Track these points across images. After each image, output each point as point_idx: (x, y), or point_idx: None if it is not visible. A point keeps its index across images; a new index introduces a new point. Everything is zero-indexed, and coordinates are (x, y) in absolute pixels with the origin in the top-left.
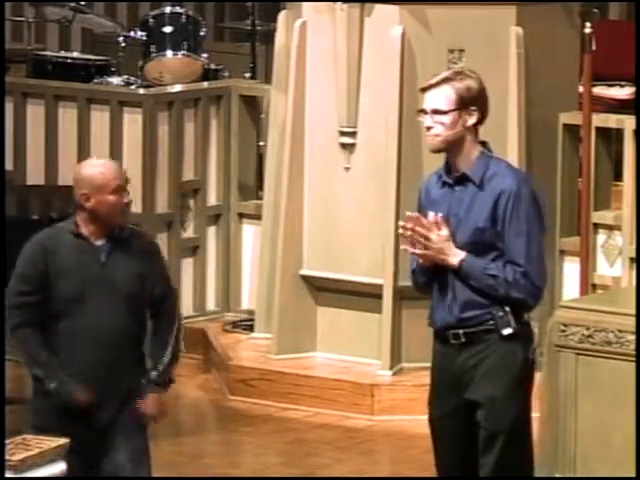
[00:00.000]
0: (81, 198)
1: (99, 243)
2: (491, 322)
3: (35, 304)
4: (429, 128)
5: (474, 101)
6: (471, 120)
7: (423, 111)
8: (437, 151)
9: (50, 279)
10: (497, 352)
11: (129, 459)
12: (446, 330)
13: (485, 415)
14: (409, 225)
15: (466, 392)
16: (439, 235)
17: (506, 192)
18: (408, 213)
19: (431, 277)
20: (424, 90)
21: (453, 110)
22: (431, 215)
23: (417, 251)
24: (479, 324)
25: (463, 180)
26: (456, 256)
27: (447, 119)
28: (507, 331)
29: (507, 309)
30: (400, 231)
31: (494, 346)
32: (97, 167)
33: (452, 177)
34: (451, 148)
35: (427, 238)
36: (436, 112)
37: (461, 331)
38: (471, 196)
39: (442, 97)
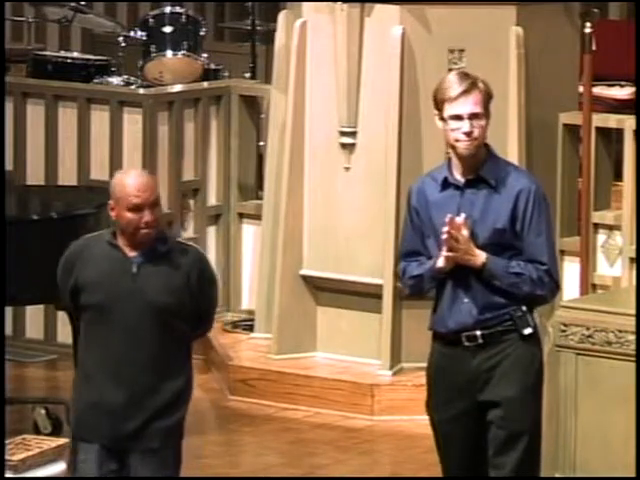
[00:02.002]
0: (109, 207)
1: (132, 254)
2: (509, 322)
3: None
4: (469, 133)
5: (490, 102)
6: (488, 121)
7: (457, 117)
8: (470, 156)
9: (79, 288)
10: (516, 352)
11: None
12: (459, 333)
13: (504, 415)
14: (445, 229)
15: (481, 394)
16: (463, 236)
17: (524, 191)
18: (448, 216)
19: (439, 282)
20: (454, 98)
21: (486, 113)
22: (462, 217)
23: (450, 254)
24: (497, 325)
25: (476, 182)
26: (480, 256)
27: (484, 122)
28: (528, 331)
29: (524, 309)
30: (444, 236)
31: (513, 346)
32: (122, 178)
33: (462, 179)
34: (478, 152)
35: (457, 239)
36: (475, 116)
37: (478, 332)
38: (485, 198)
39: (477, 101)
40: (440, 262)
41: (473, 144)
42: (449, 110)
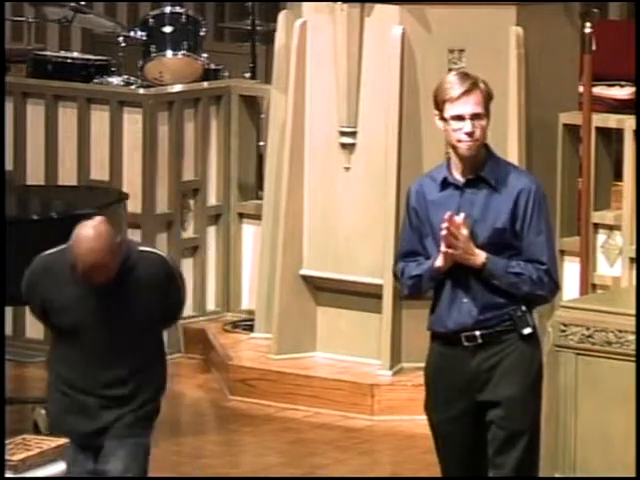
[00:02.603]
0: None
1: None
2: (508, 322)
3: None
4: (471, 134)
5: (491, 102)
6: (489, 121)
7: (458, 117)
8: (472, 157)
9: (49, 310)
10: (516, 352)
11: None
12: (459, 333)
13: (504, 415)
14: (445, 225)
15: (480, 394)
16: (463, 235)
17: (525, 191)
18: (449, 213)
19: (437, 282)
20: (456, 98)
21: (487, 113)
22: (461, 216)
23: (450, 250)
24: (496, 325)
25: (476, 182)
26: (479, 256)
27: (485, 122)
28: (527, 330)
29: (524, 309)
30: (443, 232)
31: (513, 346)
32: (80, 235)
33: (462, 179)
34: (479, 152)
35: (456, 237)
36: (476, 116)
37: (478, 333)
38: (485, 197)
39: (478, 101)
40: (439, 261)
41: (475, 144)
42: (450, 110)
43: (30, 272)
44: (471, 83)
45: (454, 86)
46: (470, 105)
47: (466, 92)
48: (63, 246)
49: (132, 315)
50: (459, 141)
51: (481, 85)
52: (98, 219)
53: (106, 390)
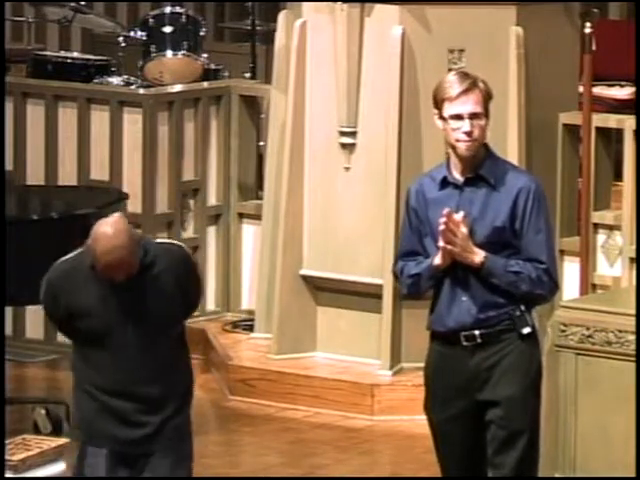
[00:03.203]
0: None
1: None
2: (507, 322)
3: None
4: (469, 133)
5: (490, 102)
6: (488, 121)
7: (457, 117)
8: (471, 156)
9: (73, 315)
10: (515, 351)
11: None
12: (458, 332)
13: (504, 414)
14: (443, 220)
15: (480, 393)
16: (462, 233)
17: (524, 190)
18: (446, 210)
19: (437, 281)
20: (455, 98)
21: (486, 113)
22: (460, 214)
23: (448, 247)
24: (496, 324)
25: (475, 181)
26: (478, 254)
27: (484, 122)
28: (526, 330)
29: (523, 308)
30: (442, 227)
31: (512, 345)
32: (98, 234)
33: (461, 178)
34: (478, 151)
35: (455, 234)
36: (475, 116)
37: (477, 332)
38: (484, 196)
39: (477, 101)
40: (437, 259)
41: (474, 144)
42: (449, 109)
43: (49, 282)
44: (470, 82)
45: (453, 85)
46: (469, 105)
47: (465, 91)
48: (79, 250)
49: (157, 309)
50: (458, 140)
51: (480, 85)
52: (116, 216)
53: (136, 388)
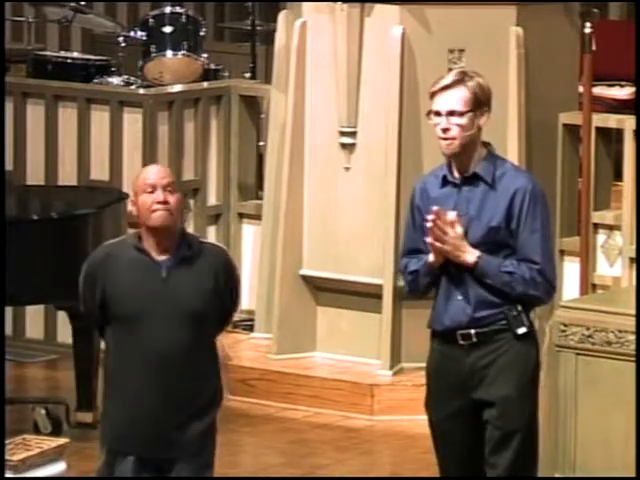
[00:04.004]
0: (130, 204)
1: (161, 258)
2: (503, 321)
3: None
4: (446, 130)
5: (485, 101)
6: (482, 120)
7: (436, 113)
8: (452, 155)
9: (107, 299)
10: (510, 351)
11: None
12: (455, 331)
13: (499, 414)
14: (431, 217)
15: (475, 393)
16: (455, 232)
17: (521, 190)
18: (435, 207)
19: (434, 279)
20: (436, 93)
21: (469, 111)
22: (451, 214)
23: (437, 244)
24: (491, 323)
25: (473, 180)
26: (472, 254)
27: (464, 120)
28: (522, 330)
29: (519, 308)
30: (428, 224)
31: (507, 345)
32: (140, 172)
33: (460, 177)
34: (464, 150)
35: (445, 233)
36: (452, 114)
37: (472, 331)
38: (482, 196)
39: (457, 98)
40: (431, 256)
41: (453, 143)
42: (432, 105)
43: (91, 260)
44: (455, 80)
45: (439, 81)
46: (447, 102)
47: (445, 87)
48: (124, 236)
49: (190, 303)
50: (439, 138)
51: (469, 83)
52: None
53: (164, 385)
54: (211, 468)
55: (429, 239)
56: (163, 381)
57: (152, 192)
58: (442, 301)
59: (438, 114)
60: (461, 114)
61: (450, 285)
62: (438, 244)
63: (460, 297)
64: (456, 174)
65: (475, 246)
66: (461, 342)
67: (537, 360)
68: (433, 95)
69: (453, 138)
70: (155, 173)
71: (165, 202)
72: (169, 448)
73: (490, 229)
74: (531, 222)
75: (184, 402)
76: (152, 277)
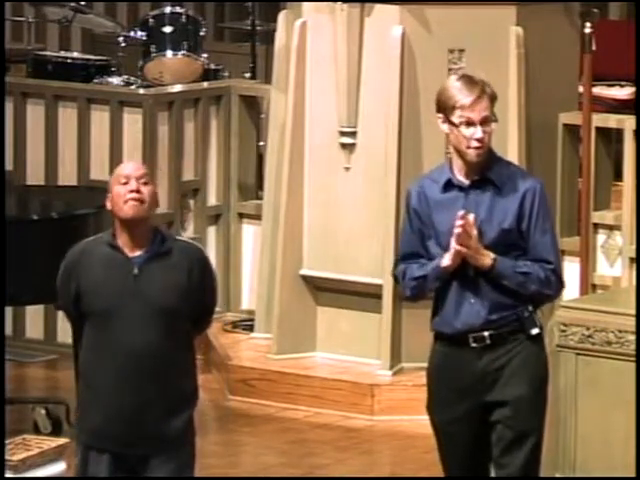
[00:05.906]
0: (107, 201)
1: (133, 255)
2: (516, 323)
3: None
4: (481, 139)
5: (495, 103)
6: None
7: (468, 124)
8: (479, 161)
9: (81, 294)
10: (523, 352)
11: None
12: (466, 334)
13: (512, 414)
14: (459, 223)
15: (487, 395)
16: (474, 235)
17: (530, 191)
18: (461, 212)
19: (442, 283)
20: (469, 105)
21: (494, 116)
22: (472, 216)
23: (463, 249)
24: (505, 325)
25: (481, 183)
26: (488, 256)
27: (491, 127)
28: (535, 331)
29: (531, 309)
30: (458, 230)
31: (520, 346)
32: (116, 169)
33: (466, 181)
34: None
35: (471, 237)
36: (485, 122)
37: (486, 333)
38: (491, 198)
39: (487, 106)
40: (447, 260)
41: (483, 150)
42: (461, 116)
43: (68, 257)
44: (480, 89)
45: (463, 91)
46: (481, 111)
47: (477, 99)
48: (101, 234)
49: (162, 299)
50: (469, 147)
51: (487, 89)
52: None
53: (138, 380)
54: (191, 468)
55: (455, 245)
56: (135, 378)
57: (126, 183)
58: (452, 304)
59: (471, 124)
60: (490, 120)
61: (463, 288)
62: (464, 249)
63: (473, 300)
64: (461, 178)
65: (488, 248)
66: (473, 345)
67: (547, 360)
68: (462, 108)
69: (486, 145)
70: (130, 166)
71: (138, 191)
72: (143, 445)
73: (502, 231)
74: (542, 223)
75: (157, 400)
76: (124, 274)
